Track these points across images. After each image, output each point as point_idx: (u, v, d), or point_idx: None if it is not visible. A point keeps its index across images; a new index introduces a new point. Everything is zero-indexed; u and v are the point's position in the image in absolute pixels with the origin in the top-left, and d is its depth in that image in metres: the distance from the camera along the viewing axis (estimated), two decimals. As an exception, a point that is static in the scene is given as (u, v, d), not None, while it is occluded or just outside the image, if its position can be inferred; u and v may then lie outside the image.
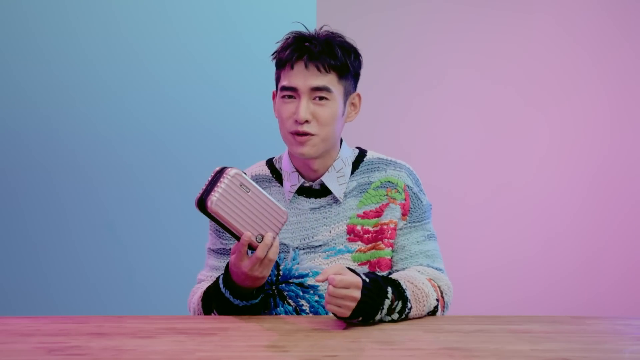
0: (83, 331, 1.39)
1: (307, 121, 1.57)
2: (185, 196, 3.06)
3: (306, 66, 1.57)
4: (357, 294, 1.38)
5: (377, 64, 2.96)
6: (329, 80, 1.58)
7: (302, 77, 1.57)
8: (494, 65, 2.99)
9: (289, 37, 1.61)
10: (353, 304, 1.38)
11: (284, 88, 1.59)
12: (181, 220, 3.05)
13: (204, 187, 1.43)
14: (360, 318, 1.42)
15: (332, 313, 1.41)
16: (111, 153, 3.08)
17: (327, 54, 1.57)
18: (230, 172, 1.42)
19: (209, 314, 1.59)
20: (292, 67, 1.58)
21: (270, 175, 1.71)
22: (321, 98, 1.58)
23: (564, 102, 2.99)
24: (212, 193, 1.41)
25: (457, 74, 2.99)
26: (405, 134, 2.99)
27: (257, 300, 1.55)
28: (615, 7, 2.97)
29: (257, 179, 1.71)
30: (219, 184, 1.41)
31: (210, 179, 1.43)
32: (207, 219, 1.72)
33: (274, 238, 1.46)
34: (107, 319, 1.51)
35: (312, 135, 1.58)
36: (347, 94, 1.63)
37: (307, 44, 1.58)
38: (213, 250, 1.71)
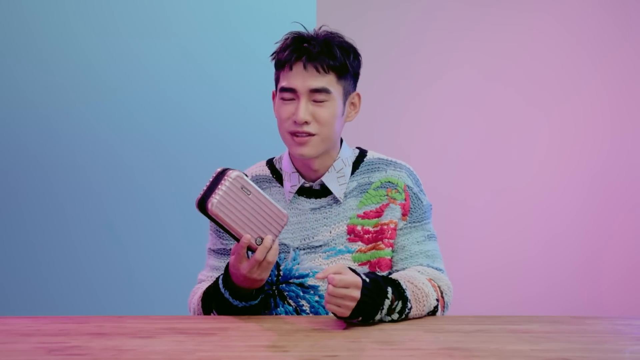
0: (83, 331, 1.39)
1: (306, 122, 1.57)
2: (185, 196, 3.05)
3: (305, 67, 1.56)
4: (357, 293, 1.38)
5: (376, 64, 2.96)
6: (328, 81, 1.58)
7: (301, 78, 1.57)
8: (494, 65, 2.99)
9: (288, 38, 1.61)
10: (353, 304, 1.38)
11: (283, 89, 1.59)
12: (181, 221, 3.05)
13: (204, 188, 1.43)
14: (360, 318, 1.42)
15: (332, 313, 1.41)
16: (111, 153, 3.08)
17: (325, 55, 1.57)
18: (232, 174, 1.42)
19: (209, 314, 1.59)
20: (290, 68, 1.58)
21: (271, 175, 1.71)
22: (320, 99, 1.57)
23: (564, 102, 2.99)
24: (213, 195, 1.41)
25: (456, 74, 2.99)
26: (405, 134, 2.99)
27: (256, 302, 1.55)
28: (615, 7, 2.97)
29: (257, 180, 1.71)
30: (220, 186, 1.41)
31: (211, 180, 1.43)
32: (207, 219, 1.73)
33: (274, 241, 1.46)
34: (107, 319, 1.51)
35: (312, 135, 1.58)
36: (346, 94, 1.62)
37: (305, 44, 1.57)
38: (213, 251, 1.71)
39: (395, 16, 2.98)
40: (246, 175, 1.45)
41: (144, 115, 3.08)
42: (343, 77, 1.60)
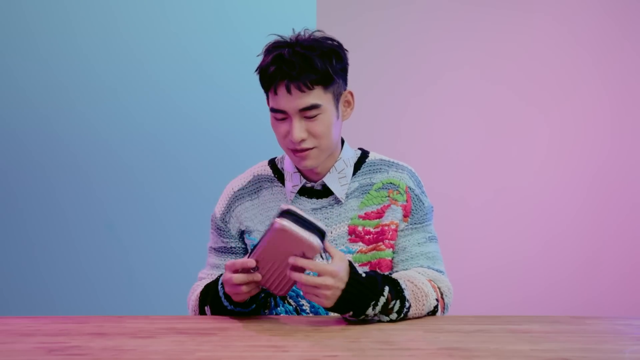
0: (83, 331, 1.40)
1: (302, 139, 1.55)
2: (186, 196, 3.06)
3: (289, 90, 1.52)
4: (331, 281, 1.38)
5: (377, 64, 2.96)
6: (315, 95, 1.54)
7: (287, 100, 1.53)
8: (495, 66, 2.99)
9: (268, 57, 1.55)
10: (328, 292, 1.38)
11: (273, 110, 1.57)
12: (181, 221, 3.05)
13: (302, 213, 1.38)
14: (351, 313, 1.42)
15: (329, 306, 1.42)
16: (111, 153, 3.08)
17: (306, 71, 1.51)
18: (315, 242, 1.36)
19: (203, 308, 1.59)
20: (275, 92, 1.54)
21: (272, 175, 1.71)
22: (312, 115, 1.54)
23: (564, 102, 2.99)
24: (289, 223, 1.36)
25: (457, 74, 2.99)
26: (405, 134, 2.99)
27: (246, 310, 1.54)
28: (615, 7, 2.97)
29: (259, 179, 1.71)
30: (301, 229, 1.36)
31: (312, 218, 1.39)
32: (207, 220, 1.74)
33: (258, 287, 1.45)
34: (107, 319, 1.51)
35: (311, 149, 1.57)
36: (337, 97, 1.59)
37: (285, 67, 1.52)
38: (214, 249, 1.72)
39: (395, 16, 2.98)
40: (323, 254, 1.40)
41: (144, 116, 3.08)
42: (330, 84, 1.56)
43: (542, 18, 2.97)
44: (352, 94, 1.64)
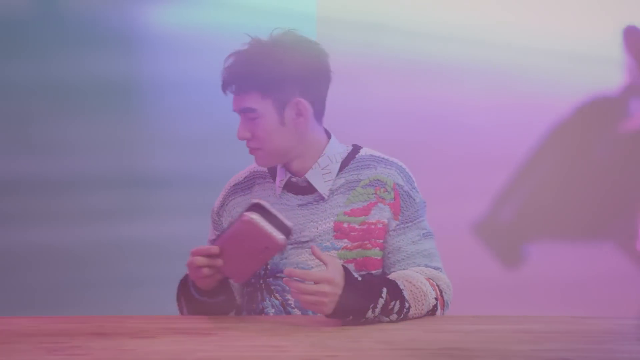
0: (83, 331, 1.40)
1: (247, 139, 1.62)
2: (185, 195, 3.06)
3: (231, 90, 1.61)
4: (328, 288, 1.38)
5: (377, 64, 2.96)
6: (251, 99, 1.58)
7: (234, 100, 1.62)
8: (494, 66, 2.99)
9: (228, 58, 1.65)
10: (326, 299, 1.38)
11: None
12: (182, 220, 3.05)
13: (270, 208, 1.43)
14: (351, 317, 1.42)
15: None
16: (111, 151, 3.07)
17: (243, 76, 1.58)
18: (278, 236, 1.41)
19: (180, 298, 1.63)
20: (224, 92, 1.62)
21: (266, 171, 1.72)
22: (251, 117, 1.60)
23: (564, 102, 2.99)
24: (257, 217, 1.41)
25: (458, 74, 2.99)
26: (405, 133, 2.99)
27: (212, 300, 1.56)
28: (615, 8, 2.98)
29: (255, 175, 1.72)
30: (268, 224, 1.40)
31: (278, 214, 1.43)
32: (207, 219, 1.75)
33: (220, 275, 1.49)
34: (107, 319, 1.51)
35: (257, 149, 1.62)
36: (281, 105, 1.60)
37: (231, 68, 1.60)
38: (209, 242, 1.74)
39: (396, 17, 2.98)
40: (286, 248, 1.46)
41: (145, 115, 3.07)
42: (269, 90, 1.58)
43: (542, 18, 2.98)
44: (303, 103, 1.61)
